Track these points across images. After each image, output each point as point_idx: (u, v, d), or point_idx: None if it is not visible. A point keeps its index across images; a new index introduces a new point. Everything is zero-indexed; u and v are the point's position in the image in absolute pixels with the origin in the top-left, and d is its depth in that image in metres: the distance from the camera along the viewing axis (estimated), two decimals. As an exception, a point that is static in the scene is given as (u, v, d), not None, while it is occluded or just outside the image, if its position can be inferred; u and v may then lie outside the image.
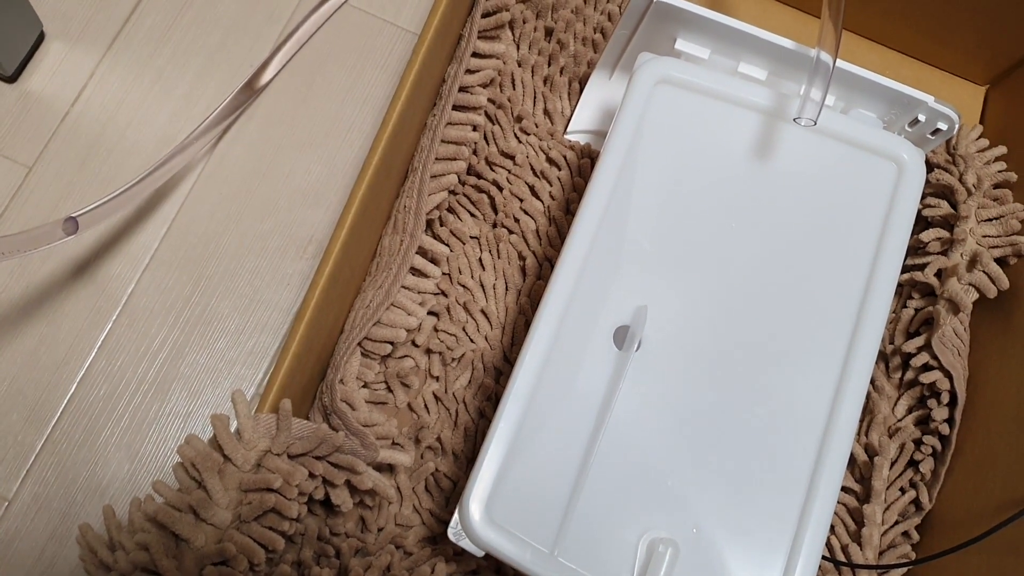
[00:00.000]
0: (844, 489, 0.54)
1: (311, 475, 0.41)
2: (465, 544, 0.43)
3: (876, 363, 0.56)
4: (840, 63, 0.51)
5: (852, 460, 0.55)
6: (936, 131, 0.52)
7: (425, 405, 0.52)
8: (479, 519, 0.42)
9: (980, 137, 0.60)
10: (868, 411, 0.55)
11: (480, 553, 0.43)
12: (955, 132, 0.52)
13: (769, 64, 0.52)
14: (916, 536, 0.53)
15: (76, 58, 0.59)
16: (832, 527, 0.53)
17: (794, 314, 0.48)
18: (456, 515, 0.43)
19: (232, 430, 0.40)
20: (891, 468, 0.54)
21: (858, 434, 0.55)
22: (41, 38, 0.59)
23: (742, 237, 0.50)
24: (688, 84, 0.50)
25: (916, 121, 0.52)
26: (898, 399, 0.55)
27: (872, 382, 0.56)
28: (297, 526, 0.44)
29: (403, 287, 0.51)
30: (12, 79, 0.58)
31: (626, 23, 0.52)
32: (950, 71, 0.66)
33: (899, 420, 0.55)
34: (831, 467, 0.45)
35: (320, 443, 0.41)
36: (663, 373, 0.47)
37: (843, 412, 0.46)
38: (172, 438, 0.52)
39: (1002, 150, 0.58)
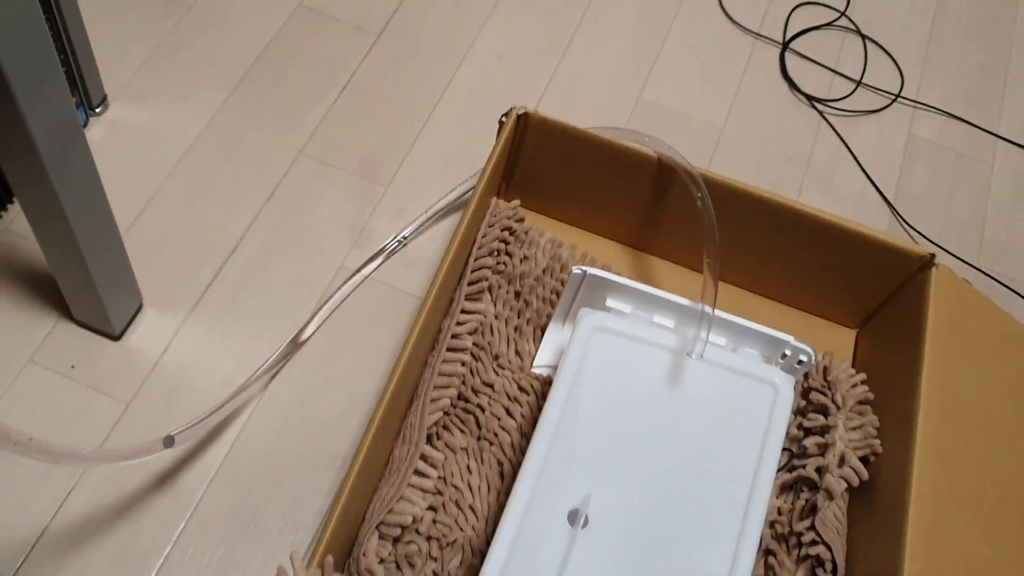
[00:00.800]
0: (757, 644, 0.68)
1: (343, 618, 0.56)
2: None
3: (778, 543, 0.72)
4: (728, 315, 0.70)
5: (763, 620, 0.69)
6: (800, 362, 0.71)
7: (426, 580, 0.68)
8: (466, 651, 0.57)
9: (849, 367, 0.79)
10: (773, 580, 0.71)
11: None
12: (814, 362, 0.71)
13: (674, 315, 0.72)
14: None
15: (164, 322, 0.79)
16: (750, 675, 0.67)
17: (700, 500, 0.65)
18: (449, 649, 0.57)
19: (289, 581, 0.56)
20: (794, 626, 0.69)
21: (767, 599, 0.70)
22: (140, 307, 0.79)
23: (662, 443, 0.67)
24: (616, 331, 0.70)
25: (785, 355, 0.71)
26: (796, 571, 0.71)
27: (775, 556, 0.71)
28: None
29: (409, 485, 0.68)
30: (117, 338, 0.78)
31: (570, 288, 0.73)
32: (830, 319, 0.86)
33: (798, 587, 0.70)
34: (732, 613, 0.61)
35: (351, 593, 0.56)
36: (605, 545, 0.63)
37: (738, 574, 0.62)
38: (229, 610, 0.67)
39: (862, 376, 0.77)
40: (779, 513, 0.74)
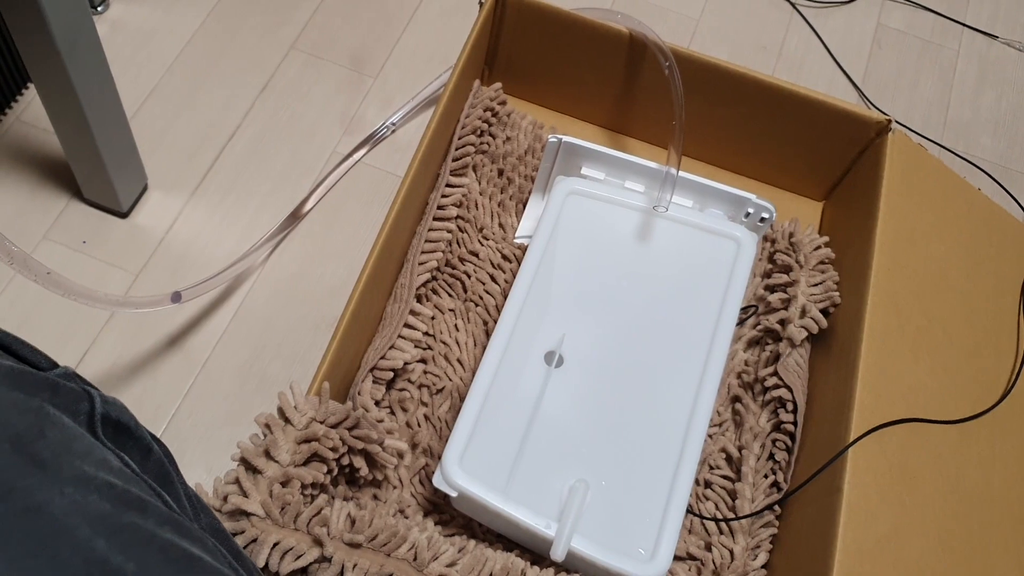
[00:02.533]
0: (723, 477, 0.74)
1: (341, 439, 0.62)
2: (444, 487, 0.63)
3: (744, 390, 0.78)
4: (695, 176, 0.75)
5: (728, 457, 0.75)
6: (762, 219, 0.76)
7: (418, 423, 0.74)
8: (455, 467, 0.63)
9: (813, 231, 0.84)
10: (738, 423, 0.76)
11: (455, 493, 0.63)
12: (774, 219, 0.76)
13: (644, 180, 0.77)
14: (778, 509, 0.73)
15: (169, 202, 0.84)
16: (715, 504, 0.73)
17: (666, 343, 0.71)
18: (439, 466, 0.63)
19: (291, 405, 0.61)
20: (757, 461, 0.74)
21: (733, 439, 0.76)
22: (145, 188, 0.84)
23: (630, 292, 0.73)
24: (589, 194, 0.75)
25: (748, 213, 0.76)
26: (760, 413, 0.76)
27: (740, 401, 0.77)
28: (330, 489, 0.64)
29: (400, 336, 0.73)
30: (125, 216, 0.83)
31: (547, 158, 0.77)
32: (798, 192, 0.91)
33: (761, 427, 0.76)
34: (693, 443, 0.67)
35: (347, 417, 0.62)
36: (579, 381, 0.69)
37: (700, 407, 0.68)
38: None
39: (825, 239, 0.82)
40: (746, 364, 0.79)
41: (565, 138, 0.75)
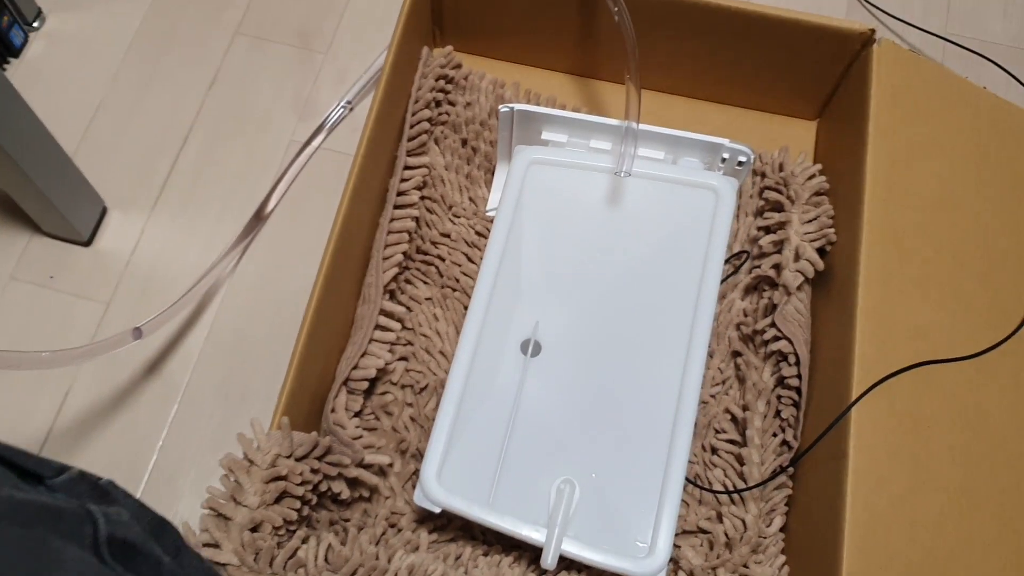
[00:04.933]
0: (729, 441, 0.71)
1: (312, 470, 0.60)
2: (426, 504, 0.61)
3: (744, 343, 0.73)
4: (657, 128, 0.69)
5: (733, 418, 0.71)
6: (740, 163, 0.70)
7: (405, 426, 0.71)
8: (433, 483, 0.60)
9: (805, 159, 0.77)
10: (740, 380, 0.72)
11: (437, 509, 0.61)
12: (752, 161, 0.70)
13: (609, 137, 0.71)
14: (792, 470, 0.69)
15: (129, 221, 0.82)
16: (724, 471, 0.70)
17: (649, 314, 0.66)
18: (419, 483, 0.61)
19: (254, 445, 0.59)
20: (763, 420, 0.70)
21: (736, 398, 0.72)
22: (104, 212, 0.81)
23: (606, 263, 0.68)
24: (551, 162, 0.70)
25: (724, 159, 0.70)
26: (763, 367, 0.72)
27: (743, 357, 0.72)
28: (312, 514, 0.62)
29: (372, 340, 0.70)
30: (87, 243, 0.80)
31: (503, 128, 0.72)
32: (789, 114, 0.84)
33: (765, 383, 0.71)
34: (684, 419, 0.63)
35: (315, 447, 0.60)
36: (558, 368, 0.65)
37: (689, 379, 0.64)
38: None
39: (818, 167, 0.76)
40: (744, 315, 0.74)
41: (517, 106, 0.70)
